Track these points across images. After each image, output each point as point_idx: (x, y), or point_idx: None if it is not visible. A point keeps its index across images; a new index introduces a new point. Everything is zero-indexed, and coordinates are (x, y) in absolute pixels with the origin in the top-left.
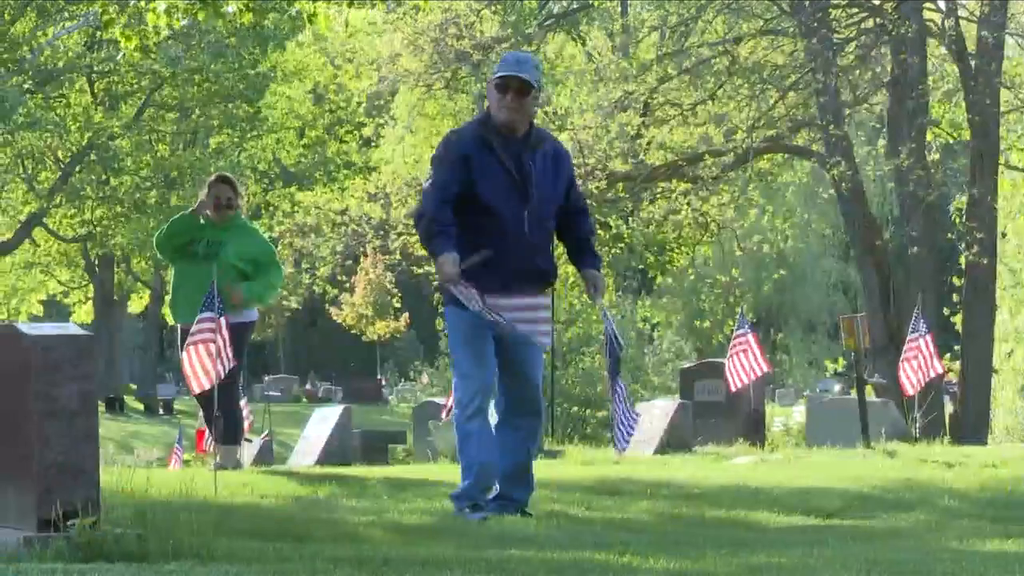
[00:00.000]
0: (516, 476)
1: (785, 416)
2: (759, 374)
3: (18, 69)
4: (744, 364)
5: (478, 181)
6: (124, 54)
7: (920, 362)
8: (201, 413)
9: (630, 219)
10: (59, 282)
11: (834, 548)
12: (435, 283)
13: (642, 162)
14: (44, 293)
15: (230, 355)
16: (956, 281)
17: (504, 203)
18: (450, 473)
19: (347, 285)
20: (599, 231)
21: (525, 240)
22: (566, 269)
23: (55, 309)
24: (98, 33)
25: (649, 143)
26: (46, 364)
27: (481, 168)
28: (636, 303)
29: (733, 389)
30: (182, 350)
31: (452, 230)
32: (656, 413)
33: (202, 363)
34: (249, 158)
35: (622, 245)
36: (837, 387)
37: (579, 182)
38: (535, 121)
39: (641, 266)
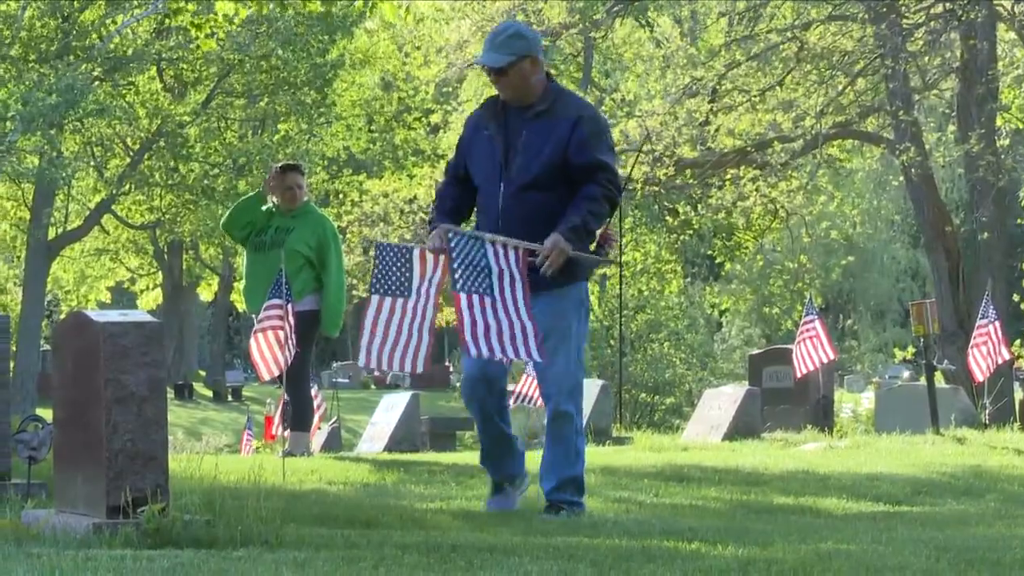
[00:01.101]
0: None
1: (854, 403)
2: (826, 361)
3: (87, 57)
4: (811, 351)
5: (469, 163)
6: (196, 43)
7: (989, 348)
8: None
9: (698, 206)
10: (128, 269)
11: (903, 535)
12: None
13: (710, 149)
14: (113, 280)
15: (294, 342)
16: None
17: (485, 179)
18: None
19: None
20: (667, 218)
21: (499, 214)
22: (634, 255)
23: (123, 296)
24: (167, 20)
25: (717, 129)
26: (115, 351)
27: (471, 148)
28: (704, 289)
29: (799, 375)
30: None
31: (448, 204)
32: (724, 399)
33: (271, 350)
34: (317, 145)
35: (690, 232)
36: (906, 373)
37: (647, 168)
38: (567, 88)
39: (709, 253)
